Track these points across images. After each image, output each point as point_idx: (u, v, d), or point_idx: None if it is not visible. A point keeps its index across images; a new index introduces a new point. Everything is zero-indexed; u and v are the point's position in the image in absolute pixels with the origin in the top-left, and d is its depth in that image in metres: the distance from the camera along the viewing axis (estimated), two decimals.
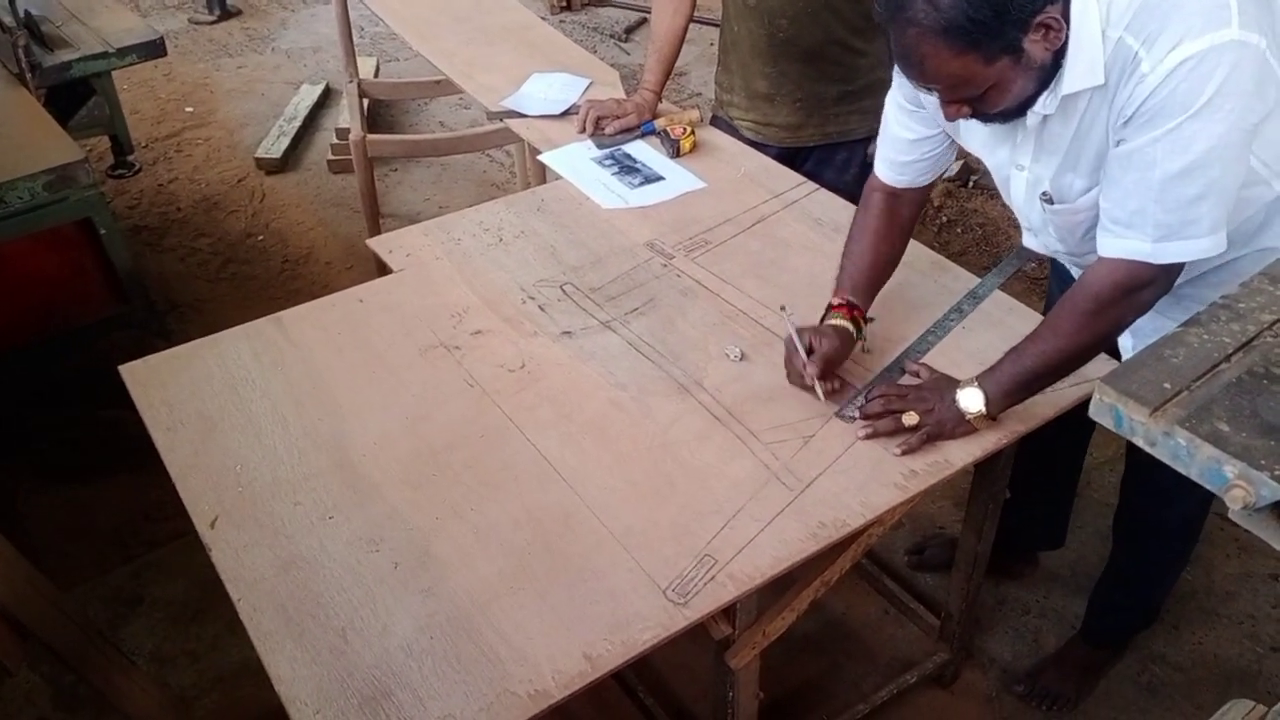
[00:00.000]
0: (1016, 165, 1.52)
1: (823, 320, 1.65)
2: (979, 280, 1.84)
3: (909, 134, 1.62)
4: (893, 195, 1.69)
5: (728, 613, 1.41)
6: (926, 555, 2.37)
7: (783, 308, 1.63)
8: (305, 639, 1.27)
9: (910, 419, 1.50)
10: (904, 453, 1.50)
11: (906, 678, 2.04)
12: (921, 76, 1.34)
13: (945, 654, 2.06)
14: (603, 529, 1.40)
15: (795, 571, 1.39)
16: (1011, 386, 1.50)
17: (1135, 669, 2.16)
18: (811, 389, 1.57)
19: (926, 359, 1.67)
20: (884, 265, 1.71)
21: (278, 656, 1.25)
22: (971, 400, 1.50)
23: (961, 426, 1.52)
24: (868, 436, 1.52)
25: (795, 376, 1.60)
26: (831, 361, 1.58)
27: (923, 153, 1.64)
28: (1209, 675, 2.15)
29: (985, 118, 1.39)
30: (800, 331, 1.59)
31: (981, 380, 1.51)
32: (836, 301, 1.65)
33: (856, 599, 2.29)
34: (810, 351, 1.57)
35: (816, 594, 1.52)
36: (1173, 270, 1.39)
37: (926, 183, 1.69)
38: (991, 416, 1.51)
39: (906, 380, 1.62)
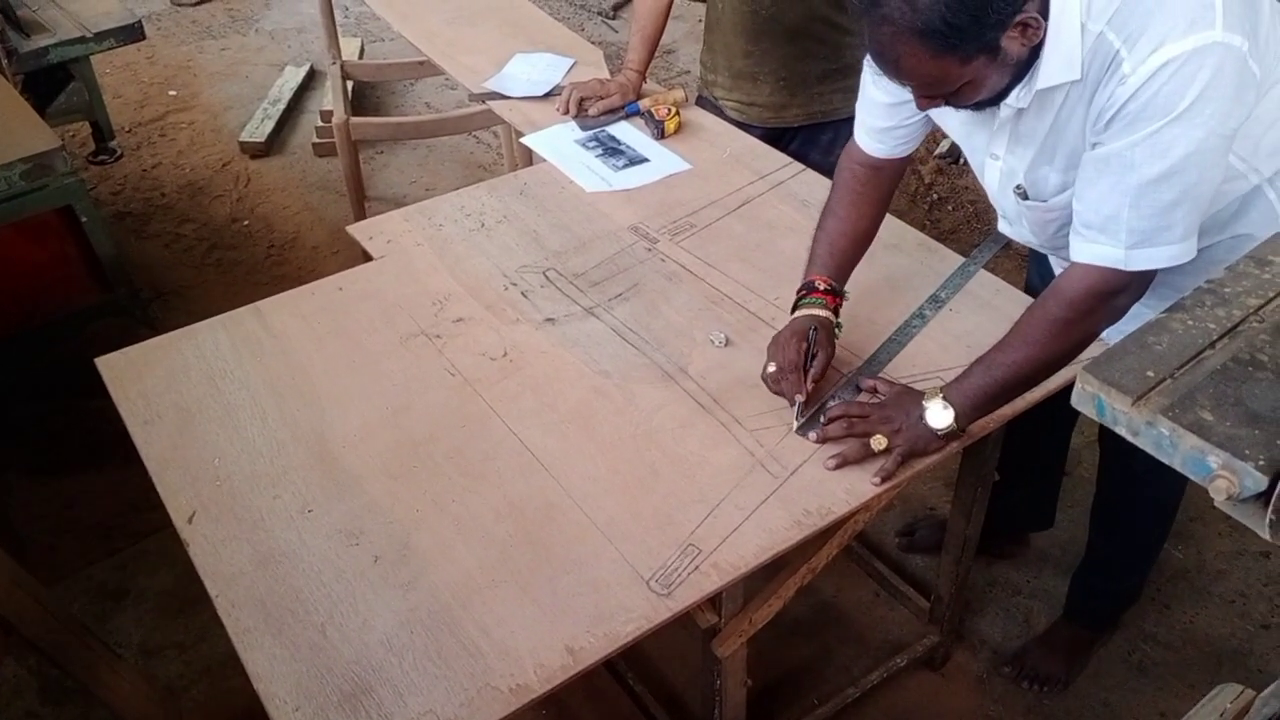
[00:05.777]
0: (991, 154, 1.49)
1: (799, 302, 1.58)
2: (952, 270, 1.82)
3: (887, 97, 1.54)
4: (871, 167, 1.63)
5: (713, 602, 1.40)
6: (917, 537, 2.36)
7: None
8: (284, 635, 1.26)
9: (879, 443, 1.44)
10: (883, 480, 1.43)
11: (897, 660, 2.03)
12: (896, 75, 1.30)
13: (935, 636, 2.05)
14: (585, 519, 1.38)
15: (782, 558, 1.38)
16: (980, 399, 1.44)
17: (1126, 648, 2.16)
18: (791, 404, 1.51)
19: (896, 361, 1.62)
20: (862, 241, 1.65)
21: (256, 653, 1.24)
22: (939, 418, 1.44)
23: (935, 443, 1.47)
24: (836, 467, 1.44)
25: (779, 382, 1.52)
26: (824, 370, 1.53)
27: (902, 118, 1.56)
28: (1200, 654, 2.15)
29: (959, 107, 1.36)
30: (792, 337, 1.52)
31: (948, 393, 1.45)
32: (821, 286, 1.58)
33: (847, 582, 2.28)
34: (809, 358, 1.51)
35: (803, 581, 1.51)
36: (1146, 276, 1.35)
37: (906, 153, 1.62)
38: (962, 430, 1.46)
39: (864, 398, 1.55)
